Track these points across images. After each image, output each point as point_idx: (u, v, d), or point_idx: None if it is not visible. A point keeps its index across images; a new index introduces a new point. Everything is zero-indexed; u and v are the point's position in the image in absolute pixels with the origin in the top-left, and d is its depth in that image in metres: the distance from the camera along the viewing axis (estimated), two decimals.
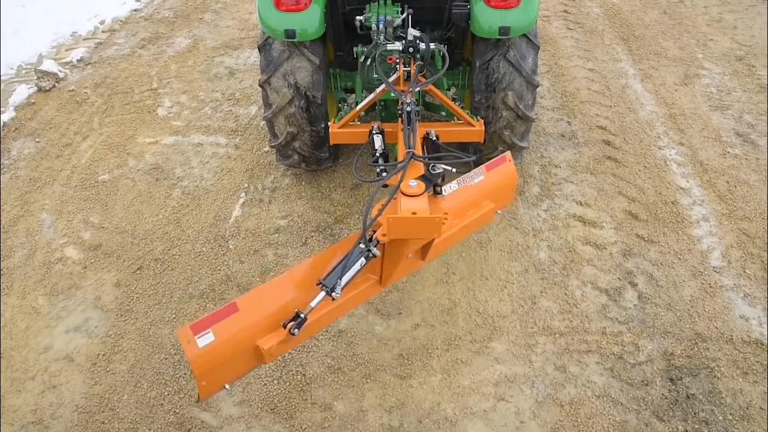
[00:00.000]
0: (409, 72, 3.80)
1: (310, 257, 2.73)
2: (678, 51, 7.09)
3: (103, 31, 7.95)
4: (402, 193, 2.71)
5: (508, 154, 3.22)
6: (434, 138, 3.55)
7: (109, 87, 6.57)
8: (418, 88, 3.69)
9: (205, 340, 2.23)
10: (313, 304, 2.38)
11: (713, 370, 3.59)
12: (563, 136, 5.57)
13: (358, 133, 4.06)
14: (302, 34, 3.96)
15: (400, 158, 3.09)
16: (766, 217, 4.65)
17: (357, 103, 4.46)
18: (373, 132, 3.78)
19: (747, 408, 3.41)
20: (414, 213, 2.54)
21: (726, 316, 3.91)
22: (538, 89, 4.38)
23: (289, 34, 3.94)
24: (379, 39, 3.98)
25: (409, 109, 3.34)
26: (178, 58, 7.11)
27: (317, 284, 2.43)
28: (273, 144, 4.65)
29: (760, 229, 4.55)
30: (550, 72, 6.61)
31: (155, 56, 7.20)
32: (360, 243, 2.51)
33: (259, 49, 4.35)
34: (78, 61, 7.10)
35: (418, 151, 3.09)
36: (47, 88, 6.51)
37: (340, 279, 2.40)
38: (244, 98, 6.26)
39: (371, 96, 4.04)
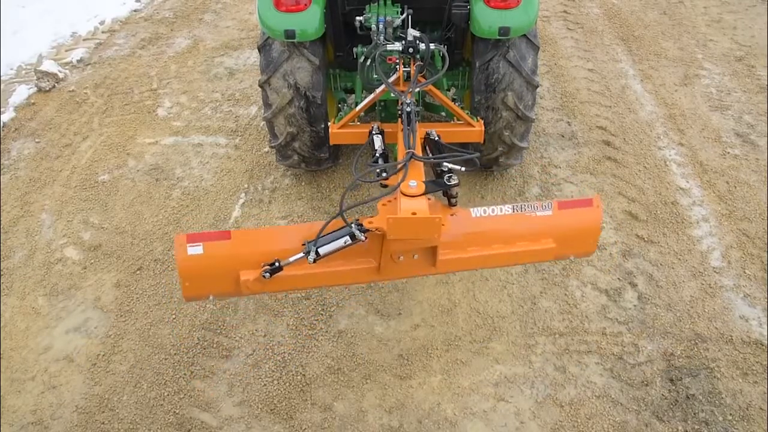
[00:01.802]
0: (408, 72, 3.80)
1: (316, 221, 2.78)
2: (678, 51, 7.09)
3: (103, 32, 7.95)
4: (402, 193, 2.71)
5: (597, 199, 2.89)
6: (436, 138, 3.55)
7: (108, 87, 6.57)
8: (418, 89, 3.69)
9: (194, 250, 2.58)
10: (291, 259, 2.59)
11: (713, 371, 3.60)
12: (563, 136, 5.57)
13: (358, 133, 4.06)
14: (302, 34, 3.96)
15: (400, 158, 3.09)
16: (766, 218, 4.65)
17: (357, 104, 4.46)
18: (373, 132, 3.78)
19: (747, 408, 3.41)
20: (414, 213, 2.55)
21: (726, 316, 3.91)
22: (538, 89, 4.38)
23: (289, 34, 3.94)
24: (379, 39, 3.98)
25: (408, 109, 3.34)
26: (178, 59, 7.12)
27: (302, 244, 2.60)
28: (273, 144, 4.65)
29: (760, 229, 4.55)
30: (550, 72, 6.61)
31: (155, 57, 7.20)
32: (349, 224, 2.61)
33: (258, 50, 4.35)
34: (78, 61, 7.10)
35: (418, 152, 3.09)
36: (47, 89, 6.51)
37: (316, 246, 2.57)
38: (244, 98, 6.26)
39: (371, 96, 4.04)
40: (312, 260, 2.58)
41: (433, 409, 3.43)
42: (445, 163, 3.01)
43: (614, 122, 5.76)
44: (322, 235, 2.59)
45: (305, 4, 3.94)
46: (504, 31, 3.89)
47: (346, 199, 2.74)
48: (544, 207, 2.83)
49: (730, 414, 3.38)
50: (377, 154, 3.55)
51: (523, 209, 2.83)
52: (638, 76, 6.57)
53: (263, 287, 2.66)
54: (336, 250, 2.62)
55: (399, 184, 2.71)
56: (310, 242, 2.60)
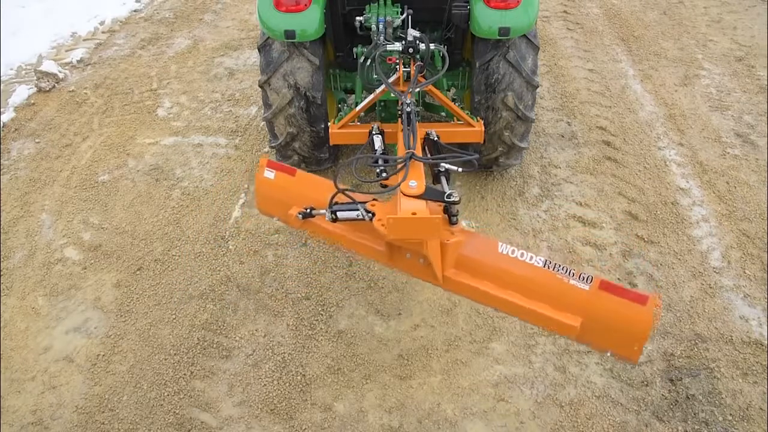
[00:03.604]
0: (408, 72, 3.80)
1: (362, 193, 2.95)
2: (678, 51, 7.09)
3: (102, 32, 7.96)
4: (402, 193, 2.71)
5: (654, 298, 2.35)
6: (435, 138, 3.55)
7: (108, 88, 6.57)
8: (418, 89, 3.69)
9: (269, 174, 3.23)
10: (321, 210, 2.91)
11: (713, 371, 3.59)
12: (563, 136, 5.57)
13: (358, 133, 4.06)
14: (302, 34, 3.96)
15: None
16: (765, 218, 4.65)
17: (357, 104, 4.46)
18: (373, 133, 3.78)
19: (747, 408, 3.40)
20: (414, 213, 2.57)
21: (726, 316, 3.91)
22: (538, 90, 4.38)
23: (289, 34, 3.94)
24: (379, 39, 3.98)
25: (408, 109, 3.34)
26: (178, 59, 7.12)
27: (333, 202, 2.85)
28: (273, 144, 4.65)
29: (760, 229, 4.55)
30: (549, 72, 6.62)
31: (155, 57, 7.21)
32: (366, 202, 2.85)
33: (258, 50, 4.35)
34: (78, 61, 7.10)
35: (418, 152, 3.09)
36: (47, 89, 6.51)
37: (332, 211, 2.85)
38: (243, 99, 6.26)
39: (371, 96, 4.04)
40: (329, 219, 2.85)
41: (433, 409, 3.43)
42: (442, 164, 3.02)
43: (614, 122, 5.76)
44: (334, 203, 2.84)
45: (305, 5, 3.94)
46: (504, 31, 3.89)
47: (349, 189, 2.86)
48: (582, 278, 2.43)
49: (730, 414, 3.38)
50: (377, 154, 3.55)
51: (556, 269, 2.49)
52: (638, 77, 6.57)
53: (301, 225, 3.04)
54: (350, 219, 2.85)
55: (399, 184, 2.72)
56: (338, 204, 2.85)
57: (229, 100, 6.24)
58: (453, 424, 3.36)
